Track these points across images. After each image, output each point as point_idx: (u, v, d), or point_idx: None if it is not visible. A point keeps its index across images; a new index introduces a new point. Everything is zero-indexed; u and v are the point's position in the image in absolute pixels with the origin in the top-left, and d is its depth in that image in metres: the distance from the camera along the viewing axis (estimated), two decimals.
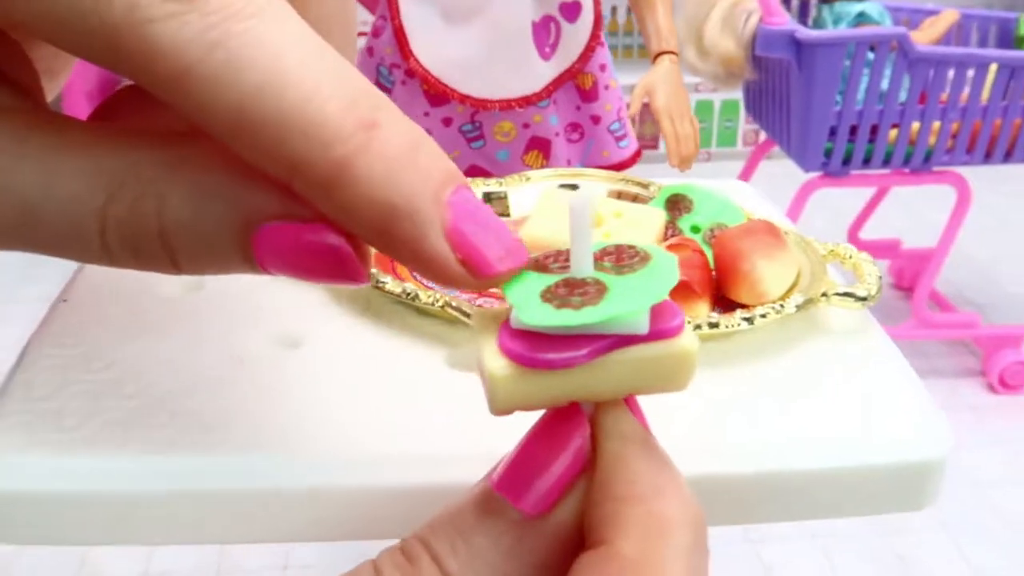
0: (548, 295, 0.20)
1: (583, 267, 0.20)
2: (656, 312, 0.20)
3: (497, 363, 0.20)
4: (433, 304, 0.38)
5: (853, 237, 2.07)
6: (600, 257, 0.21)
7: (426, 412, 0.33)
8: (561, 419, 0.21)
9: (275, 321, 0.38)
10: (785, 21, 1.39)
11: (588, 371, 0.20)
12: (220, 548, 1.34)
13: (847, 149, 1.51)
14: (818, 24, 1.60)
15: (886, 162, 1.54)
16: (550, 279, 0.21)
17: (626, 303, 0.19)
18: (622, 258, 0.21)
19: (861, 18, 1.53)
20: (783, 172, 1.63)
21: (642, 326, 0.20)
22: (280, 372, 0.34)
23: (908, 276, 2.09)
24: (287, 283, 0.41)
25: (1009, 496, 1.51)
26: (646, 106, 1.15)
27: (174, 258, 0.20)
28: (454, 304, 0.37)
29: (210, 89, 0.17)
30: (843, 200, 2.05)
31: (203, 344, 0.36)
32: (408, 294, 0.38)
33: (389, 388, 0.34)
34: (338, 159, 0.17)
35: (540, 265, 0.22)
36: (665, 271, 0.21)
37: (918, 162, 1.55)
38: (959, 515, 1.46)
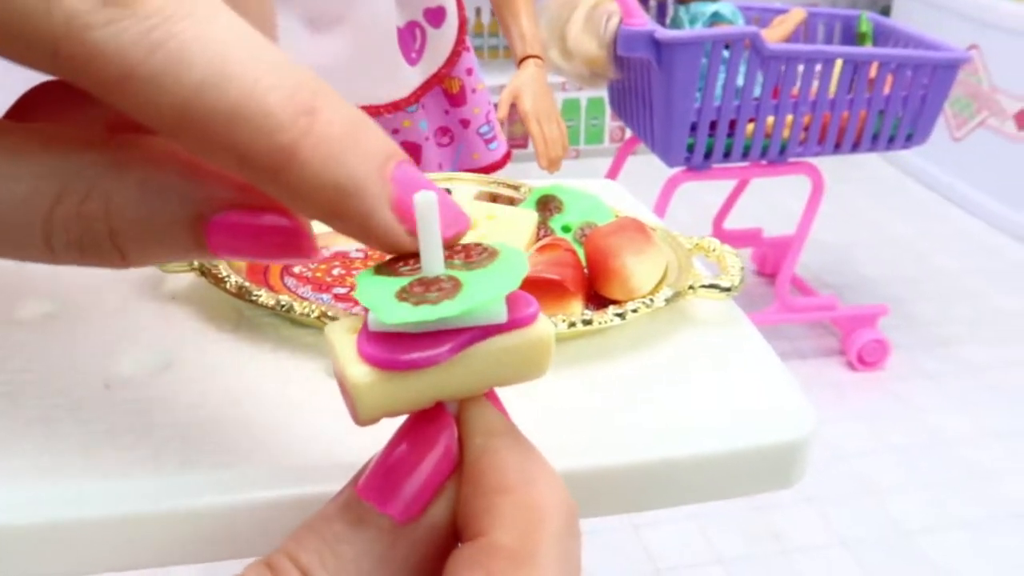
0: (404, 294, 0.20)
1: (434, 265, 0.20)
2: (511, 303, 0.21)
3: (359, 371, 0.19)
4: (308, 315, 0.37)
5: (718, 228, 2.15)
6: (449, 256, 0.21)
7: (306, 424, 0.32)
8: (426, 420, 0.21)
9: (141, 343, 0.37)
10: (644, 22, 1.43)
11: (451, 368, 0.20)
12: None
13: (708, 144, 1.57)
14: (675, 24, 1.66)
15: (745, 155, 1.60)
16: (403, 280, 0.21)
17: (484, 293, 0.19)
18: (471, 255, 0.21)
19: (715, 17, 1.59)
20: (649, 167, 1.68)
21: (500, 315, 0.20)
22: (150, 394, 0.33)
23: (770, 263, 2.18)
24: (152, 304, 0.39)
25: (870, 466, 1.60)
26: (514, 107, 1.16)
27: (124, 253, 0.20)
28: (330, 314, 0.37)
29: (154, 89, 0.18)
30: (707, 194, 2.12)
31: (67, 371, 0.34)
32: (283, 306, 0.38)
33: (266, 402, 0.34)
34: (284, 145, 0.18)
35: (390, 269, 0.21)
36: (514, 262, 0.21)
37: (774, 154, 1.62)
38: (825, 487, 1.54)
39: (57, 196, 0.19)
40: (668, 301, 0.40)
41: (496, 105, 1.14)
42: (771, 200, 2.45)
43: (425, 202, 0.20)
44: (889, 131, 1.65)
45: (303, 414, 0.33)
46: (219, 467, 0.30)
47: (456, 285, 0.20)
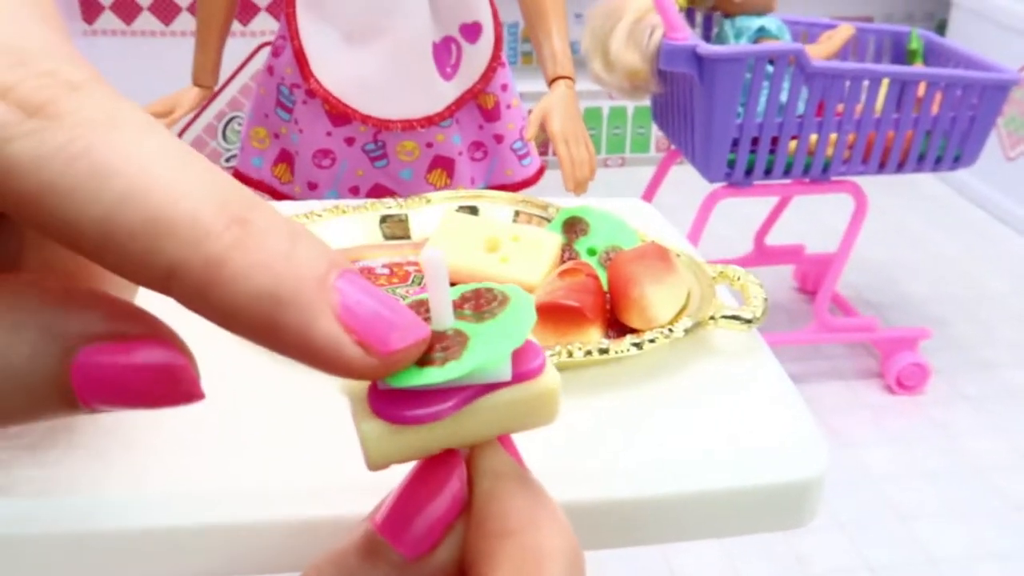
0: None
1: (443, 320, 0.21)
2: (517, 354, 0.21)
3: (368, 424, 0.20)
4: None
5: (759, 243, 2.13)
6: (460, 304, 0.22)
7: (317, 444, 0.33)
8: (438, 462, 0.21)
9: None
10: (687, 36, 1.42)
11: (457, 420, 0.21)
12: None
13: (749, 160, 1.56)
14: (720, 38, 1.65)
15: (787, 172, 1.58)
16: None
17: (487, 354, 0.20)
18: (480, 304, 0.22)
19: (761, 32, 1.58)
20: (694, 177, 1.66)
21: (505, 374, 0.21)
22: (168, 417, 0.34)
23: (812, 280, 2.15)
24: (181, 312, 0.40)
25: (903, 491, 1.57)
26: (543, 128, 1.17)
27: None
28: None
29: (74, 201, 0.17)
30: (750, 207, 2.10)
31: None
32: None
33: (279, 419, 0.34)
34: (214, 255, 0.17)
35: None
36: (522, 314, 0.21)
37: (817, 172, 1.60)
38: (855, 512, 1.51)
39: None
40: (687, 332, 0.40)
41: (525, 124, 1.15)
42: (815, 216, 2.41)
43: (432, 259, 0.20)
44: (936, 152, 1.62)
45: (316, 434, 0.33)
46: (225, 485, 0.30)
47: (462, 343, 0.20)
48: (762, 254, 2.13)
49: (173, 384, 0.18)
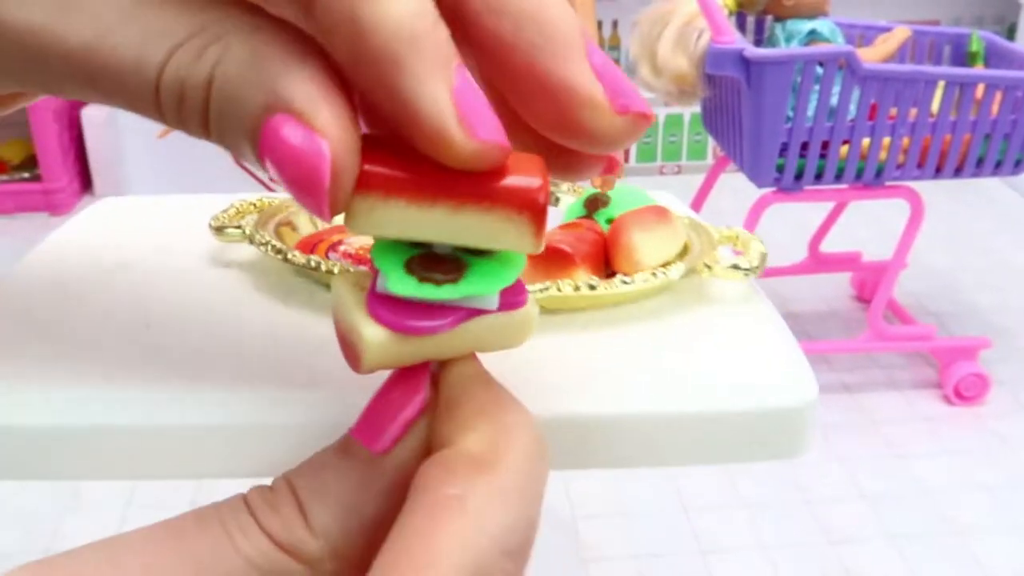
0: (412, 266, 0.23)
1: (445, 245, 0.23)
2: (505, 288, 0.24)
3: (371, 329, 0.23)
4: (332, 271, 0.40)
5: (814, 250, 2.10)
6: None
7: (327, 364, 0.34)
8: (410, 372, 0.24)
9: (190, 295, 0.40)
10: (733, 40, 1.43)
11: (446, 336, 0.23)
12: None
13: (799, 165, 1.54)
14: (771, 41, 1.64)
15: (838, 177, 1.57)
16: (415, 251, 0.24)
17: (481, 286, 0.23)
18: None
19: (812, 35, 1.57)
20: (750, 183, 1.65)
21: (493, 303, 0.24)
22: (180, 331, 0.36)
23: (870, 288, 2.11)
24: (213, 270, 0.43)
25: (958, 506, 1.52)
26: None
27: (206, 113, 0.21)
28: (352, 270, 0.39)
29: None
30: (808, 214, 2.07)
31: (121, 311, 0.38)
32: (313, 266, 0.40)
33: (292, 345, 0.36)
34: None
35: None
36: (516, 256, 0.24)
37: (870, 177, 1.58)
38: (907, 526, 1.48)
39: (191, 34, 0.20)
40: (681, 276, 0.41)
41: None
42: (877, 222, 2.36)
43: None
44: (996, 155, 1.59)
45: (327, 357, 0.35)
46: (224, 391, 0.32)
47: (461, 268, 0.23)
48: (817, 261, 2.10)
49: (314, 179, 0.20)
